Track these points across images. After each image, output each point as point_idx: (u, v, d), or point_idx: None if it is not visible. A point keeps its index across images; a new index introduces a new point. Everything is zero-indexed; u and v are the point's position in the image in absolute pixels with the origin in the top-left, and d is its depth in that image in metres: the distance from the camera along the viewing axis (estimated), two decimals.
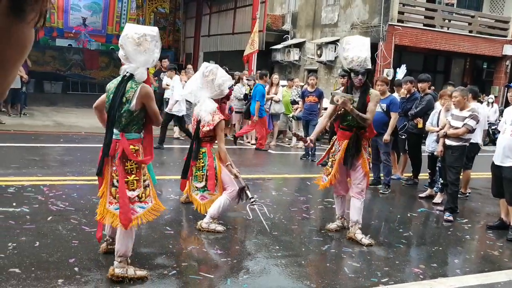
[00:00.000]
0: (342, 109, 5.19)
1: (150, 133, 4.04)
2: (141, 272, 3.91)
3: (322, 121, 5.77)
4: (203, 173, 5.34)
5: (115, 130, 3.86)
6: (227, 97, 5.51)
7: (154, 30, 3.88)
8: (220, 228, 5.19)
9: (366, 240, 5.15)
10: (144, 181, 3.90)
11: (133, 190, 3.83)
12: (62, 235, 4.69)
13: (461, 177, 6.92)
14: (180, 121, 10.74)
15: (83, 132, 11.14)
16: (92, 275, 3.88)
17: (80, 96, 21.14)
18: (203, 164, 5.35)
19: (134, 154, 3.83)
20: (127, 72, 3.87)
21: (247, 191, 5.40)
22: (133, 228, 3.90)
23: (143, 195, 3.88)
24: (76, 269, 3.95)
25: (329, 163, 5.51)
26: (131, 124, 3.85)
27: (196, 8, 22.54)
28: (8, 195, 5.86)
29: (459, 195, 6.94)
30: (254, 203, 5.41)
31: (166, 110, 10.57)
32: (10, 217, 5.05)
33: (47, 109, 15.34)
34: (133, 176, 3.82)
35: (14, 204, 5.48)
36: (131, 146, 3.83)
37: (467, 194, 7.98)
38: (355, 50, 5.20)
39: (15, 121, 12.09)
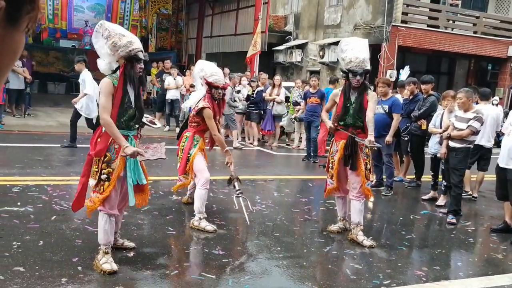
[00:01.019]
0: (341, 108, 5.24)
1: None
2: (107, 266, 3.93)
3: (323, 115, 5.89)
4: (181, 156, 5.57)
5: None
6: (214, 87, 5.47)
7: (98, 24, 3.99)
8: (209, 227, 5.19)
9: (367, 242, 5.15)
10: (102, 174, 3.96)
11: (93, 179, 4.01)
12: (65, 235, 4.72)
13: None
14: (89, 121, 9.42)
15: (86, 133, 11.14)
16: (95, 274, 3.90)
17: None
18: (182, 147, 5.58)
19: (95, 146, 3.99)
20: None
21: (235, 183, 5.64)
22: (104, 218, 4.03)
23: (102, 187, 3.98)
24: (79, 268, 3.98)
25: (330, 165, 5.51)
26: None
27: (198, 9, 22.57)
28: (13, 194, 5.90)
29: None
30: (239, 195, 5.63)
31: (72, 102, 9.48)
32: (14, 216, 5.09)
33: (51, 110, 15.43)
34: (95, 166, 4.00)
35: (19, 203, 5.52)
36: (99, 139, 3.98)
37: (470, 193, 7.99)
38: (354, 51, 5.21)
39: (19, 122, 12.16)
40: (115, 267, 3.96)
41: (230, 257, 4.55)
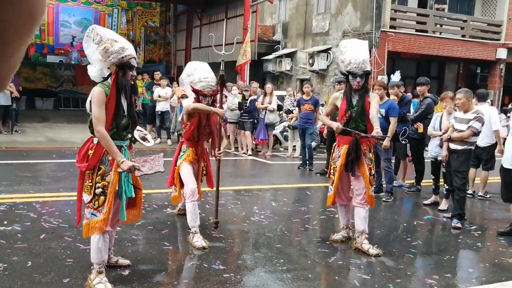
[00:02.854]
0: (348, 114, 5.01)
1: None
2: (101, 286, 3.69)
3: (323, 118, 5.55)
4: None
5: None
6: (202, 95, 5.08)
7: (89, 28, 3.76)
8: (198, 243, 4.86)
9: (373, 250, 4.94)
10: (97, 188, 3.70)
11: (88, 194, 3.75)
12: (55, 254, 4.44)
13: None
14: None
15: (75, 148, 10.87)
16: None
17: (72, 112, 20.94)
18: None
19: (84, 158, 3.74)
20: None
21: None
22: (97, 236, 3.75)
23: (96, 203, 3.73)
24: None
25: (332, 171, 5.29)
26: (93, 127, 3.73)
27: (186, 20, 22.44)
28: None
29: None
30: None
31: None
32: (0, 236, 4.81)
33: (39, 126, 15.14)
34: (88, 181, 3.74)
35: (5, 222, 5.24)
36: (92, 151, 3.72)
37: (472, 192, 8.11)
38: (353, 52, 5.03)
39: (6, 138, 11.88)
40: (109, 287, 3.70)
41: (231, 272, 4.30)
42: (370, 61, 16.16)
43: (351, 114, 5.00)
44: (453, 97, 6.90)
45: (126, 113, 3.85)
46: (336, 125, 5.06)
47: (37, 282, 3.81)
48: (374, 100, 5.04)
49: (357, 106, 5.01)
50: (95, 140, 3.75)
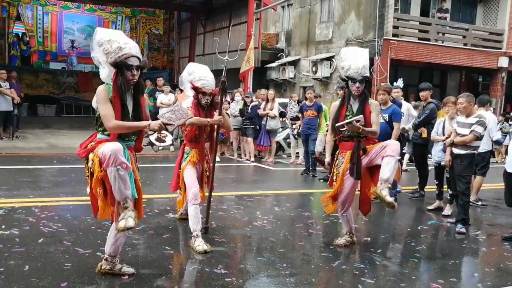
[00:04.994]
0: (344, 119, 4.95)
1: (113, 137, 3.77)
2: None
3: (328, 139, 5.45)
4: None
5: None
6: (201, 92, 5.05)
7: (95, 31, 3.80)
8: (199, 248, 4.78)
9: (389, 198, 4.58)
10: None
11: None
12: (54, 258, 4.37)
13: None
14: None
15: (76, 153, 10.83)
16: None
17: (74, 118, 20.92)
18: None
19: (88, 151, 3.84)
20: None
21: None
22: (112, 172, 3.61)
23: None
24: None
25: (334, 177, 5.21)
26: (98, 124, 3.82)
27: (190, 28, 22.52)
28: None
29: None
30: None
31: None
32: None
33: (40, 132, 15.11)
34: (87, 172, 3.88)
35: (3, 226, 5.18)
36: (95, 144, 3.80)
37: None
38: (353, 58, 5.05)
39: (7, 144, 11.85)
40: (131, 221, 3.59)
41: (233, 276, 4.22)
42: (373, 69, 16.24)
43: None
44: (455, 102, 6.84)
45: (131, 115, 3.79)
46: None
47: (34, 286, 3.73)
48: (375, 110, 5.01)
49: (357, 113, 4.96)
50: (99, 136, 3.83)
